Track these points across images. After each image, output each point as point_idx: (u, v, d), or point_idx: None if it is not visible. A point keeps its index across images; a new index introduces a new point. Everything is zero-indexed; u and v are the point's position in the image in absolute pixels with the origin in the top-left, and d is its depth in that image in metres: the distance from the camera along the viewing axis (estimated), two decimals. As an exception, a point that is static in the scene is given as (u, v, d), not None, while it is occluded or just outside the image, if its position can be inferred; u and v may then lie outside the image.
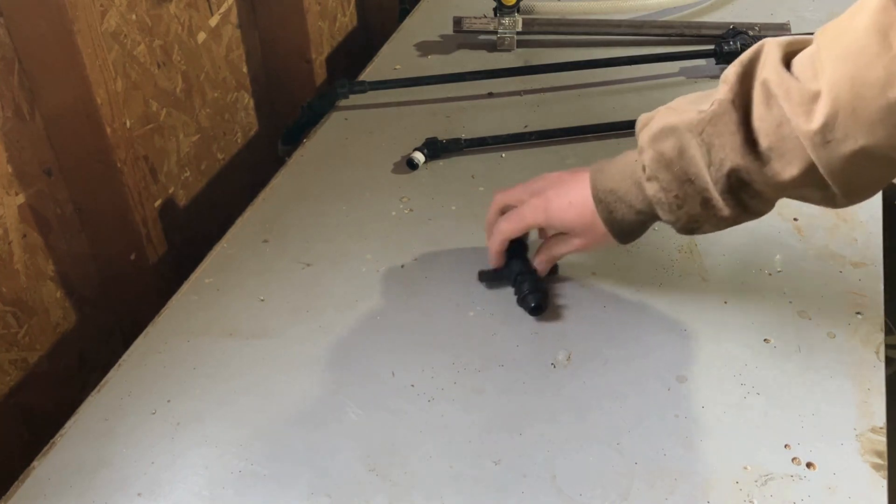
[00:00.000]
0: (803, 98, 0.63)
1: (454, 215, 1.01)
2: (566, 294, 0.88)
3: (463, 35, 1.40)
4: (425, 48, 1.39)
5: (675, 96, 0.75)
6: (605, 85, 1.26)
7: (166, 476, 0.73)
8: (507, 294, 0.88)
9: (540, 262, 0.87)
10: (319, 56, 1.48)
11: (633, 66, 1.26)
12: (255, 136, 1.44)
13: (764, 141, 0.67)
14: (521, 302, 0.85)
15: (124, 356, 0.85)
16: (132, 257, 1.09)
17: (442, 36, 1.42)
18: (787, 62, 0.66)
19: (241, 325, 0.87)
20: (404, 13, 1.61)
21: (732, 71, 0.69)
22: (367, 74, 1.32)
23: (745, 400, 0.76)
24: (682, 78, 1.25)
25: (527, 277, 0.85)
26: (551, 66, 1.25)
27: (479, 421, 0.76)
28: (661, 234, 0.95)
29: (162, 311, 0.90)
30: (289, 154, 1.16)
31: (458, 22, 1.38)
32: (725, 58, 1.23)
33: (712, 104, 0.69)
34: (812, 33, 0.66)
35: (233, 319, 0.88)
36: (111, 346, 1.13)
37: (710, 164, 0.70)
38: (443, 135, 1.13)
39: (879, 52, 0.58)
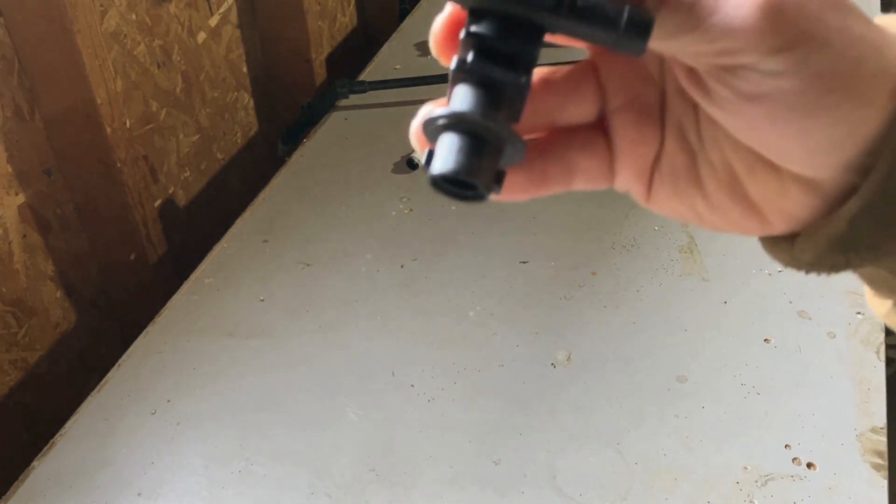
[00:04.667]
0: None
1: (454, 215, 1.01)
2: (566, 294, 0.88)
3: (463, 35, 1.39)
4: (426, 48, 1.39)
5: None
6: (606, 85, 1.25)
7: (166, 476, 0.72)
8: (509, 293, 0.88)
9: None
10: (319, 56, 1.48)
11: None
12: (254, 135, 1.44)
13: None
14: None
15: (124, 356, 0.85)
16: (132, 257, 1.09)
17: (442, 36, 1.42)
18: None
19: (241, 324, 0.87)
20: (404, 13, 1.61)
21: None
22: (368, 74, 1.32)
23: (745, 400, 0.76)
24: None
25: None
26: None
27: (479, 421, 0.75)
28: (662, 234, 0.95)
29: (162, 310, 0.90)
30: (289, 154, 1.16)
31: (458, 22, 1.37)
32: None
33: None
34: None
35: (232, 319, 0.88)
36: (111, 346, 1.12)
37: None
38: (443, 135, 1.13)
39: None
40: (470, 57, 0.28)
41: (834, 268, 0.31)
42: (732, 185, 0.32)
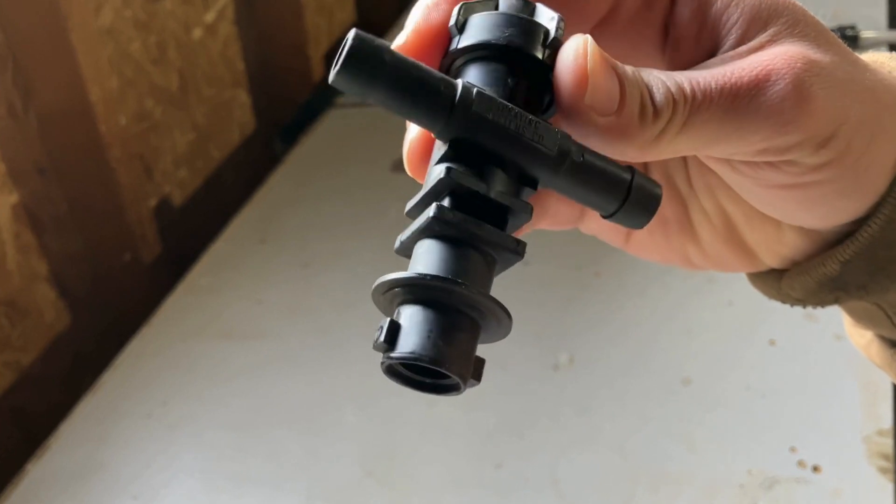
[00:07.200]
0: None
1: (454, 214, 1.00)
2: (569, 295, 0.87)
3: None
4: (424, 45, 1.38)
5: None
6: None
7: (161, 479, 0.72)
8: (510, 294, 0.87)
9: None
10: (317, 52, 1.47)
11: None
12: (251, 134, 1.43)
13: None
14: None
15: (119, 358, 0.84)
16: (127, 257, 1.08)
17: (441, 33, 1.41)
18: None
19: (238, 326, 0.86)
20: (403, 8, 1.60)
21: None
22: (366, 72, 1.31)
23: (750, 402, 0.75)
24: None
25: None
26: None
27: (480, 424, 0.74)
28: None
29: (157, 311, 0.89)
30: (286, 152, 1.15)
31: (457, 19, 1.36)
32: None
33: None
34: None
35: (229, 320, 0.87)
36: (105, 348, 1.11)
37: None
38: (442, 133, 1.12)
39: None
40: (447, 203, 0.22)
41: (821, 303, 0.31)
42: (728, 233, 0.31)
